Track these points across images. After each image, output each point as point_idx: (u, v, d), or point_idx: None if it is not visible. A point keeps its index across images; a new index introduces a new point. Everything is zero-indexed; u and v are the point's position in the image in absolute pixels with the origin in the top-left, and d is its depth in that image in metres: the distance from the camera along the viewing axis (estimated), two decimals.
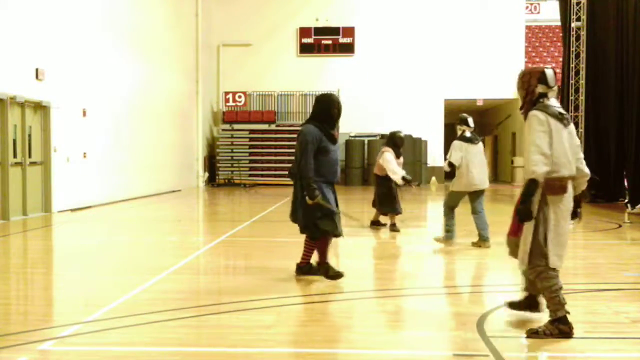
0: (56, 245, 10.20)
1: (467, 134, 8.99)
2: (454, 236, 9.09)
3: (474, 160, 8.89)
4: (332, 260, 8.68)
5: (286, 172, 25.76)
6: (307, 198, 6.21)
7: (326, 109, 6.45)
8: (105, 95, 16.74)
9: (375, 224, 11.28)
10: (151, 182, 20.05)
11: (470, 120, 9.09)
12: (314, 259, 6.71)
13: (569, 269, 7.98)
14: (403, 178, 10.39)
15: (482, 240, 9.00)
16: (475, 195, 9.02)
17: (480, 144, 9.10)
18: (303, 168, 6.25)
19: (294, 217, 6.52)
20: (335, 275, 6.47)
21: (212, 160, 26.86)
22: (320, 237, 6.47)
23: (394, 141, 10.85)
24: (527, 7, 31.80)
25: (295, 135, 26.73)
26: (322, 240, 6.50)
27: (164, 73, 21.69)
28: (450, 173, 9.19)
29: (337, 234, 6.44)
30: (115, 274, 7.34)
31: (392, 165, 10.50)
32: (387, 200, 10.79)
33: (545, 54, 31.97)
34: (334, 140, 6.45)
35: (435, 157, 26.72)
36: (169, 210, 16.03)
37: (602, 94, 18.45)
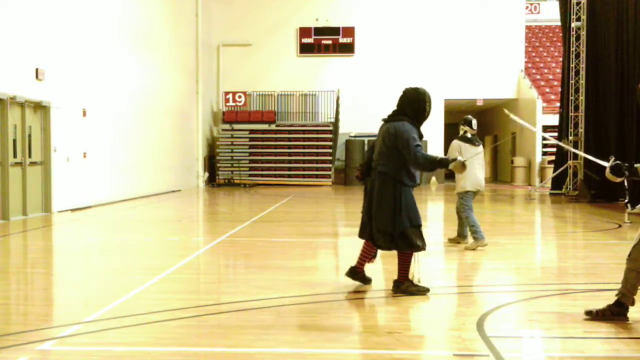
0: (56, 245, 10.20)
1: (468, 135, 8.94)
2: (483, 236, 8.77)
3: (474, 161, 8.76)
4: (331, 261, 8.70)
5: (286, 172, 25.90)
6: (452, 166, 5.79)
7: (421, 107, 5.99)
8: (105, 95, 16.74)
9: None
10: (151, 182, 20.05)
11: (474, 123, 9.01)
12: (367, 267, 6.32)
13: (568, 269, 8.00)
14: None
15: (462, 238, 9.20)
16: (473, 196, 9.02)
17: (481, 147, 9.04)
18: (418, 161, 5.74)
19: (387, 225, 5.84)
20: (423, 290, 5.99)
21: (212, 161, 26.86)
22: (407, 251, 5.92)
23: None
24: (527, 7, 31.82)
25: (295, 136, 26.34)
26: (409, 255, 5.95)
27: (164, 73, 21.69)
28: (450, 173, 9.11)
29: (424, 248, 5.95)
30: (115, 274, 7.34)
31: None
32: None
33: (545, 54, 31.96)
34: (422, 139, 6.00)
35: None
36: (169, 211, 16.03)
37: (602, 93, 18.45)
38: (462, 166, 6.03)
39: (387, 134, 5.97)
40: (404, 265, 5.99)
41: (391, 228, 5.84)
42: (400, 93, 6.20)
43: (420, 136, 5.96)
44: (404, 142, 5.83)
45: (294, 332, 4.84)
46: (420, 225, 5.95)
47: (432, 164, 5.84)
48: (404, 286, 5.98)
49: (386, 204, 5.85)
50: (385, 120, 6.15)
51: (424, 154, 5.85)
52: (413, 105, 6.02)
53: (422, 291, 5.96)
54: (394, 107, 6.19)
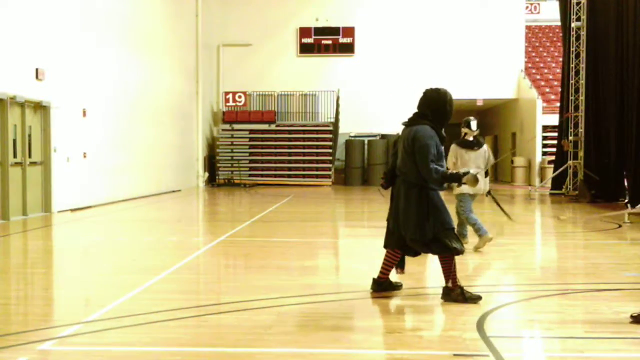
0: (56, 245, 10.20)
1: (470, 138, 8.71)
2: (486, 231, 8.63)
3: (471, 164, 8.59)
4: (331, 261, 8.69)
5: (286, 172, 25.89)
6: (466, 179, 5.64)
7: (441, 108, 5.72)
8: (105, 95, 16.73)
9: None
10: (151, 182, 20.04)
11: (473, 124, 8.71)
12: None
13: (568, 269, 8.00)
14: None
15: (463, 237, 9.01)
16: (471, 198, 8.91)
17: (482, 150, 8.75)
18: (431, 175, 5.55)
19: (416, 232, 5.65)
20: (475, 298, 5.72)
21: (212, 160, 26.86)
22: (448, 256, 5.71)
23: None
24: (527, 7, 31.81)
25: (295, 136, 26.26)
26: (449, 259, 5.73)
27: (164, 73, 21.69)
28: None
29: (462, 251, 5.75)
30: (115, 274, 7.34)
31: None
32: None
33: (545, 54, 31.96)
34: (444, 142, 5.78)
35: None
36: (169, 211, 16.03)
37: (602, 94, 18.44)
38: (475, 179, 5.91)
39: (407, 139, 5.75)
40: (447, 270, 5.76)
41: (421, 235, 5.64)
42: (421, 94, 5.88)
43: (442, 139, 5.74)
44: (421, 147, 5.60)
45: (294, 332, 4.84)
46: (453, 228, 5.73)
47: (444, 179, 5.68)
48: (454, 294, 5.72)
49: (414, 212, 5.66)
50: (406, 124, 5.91)
51: (437, 169, 5.62)
52: (433, 106, 5.76)
53: (474, 299, 5.71)
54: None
